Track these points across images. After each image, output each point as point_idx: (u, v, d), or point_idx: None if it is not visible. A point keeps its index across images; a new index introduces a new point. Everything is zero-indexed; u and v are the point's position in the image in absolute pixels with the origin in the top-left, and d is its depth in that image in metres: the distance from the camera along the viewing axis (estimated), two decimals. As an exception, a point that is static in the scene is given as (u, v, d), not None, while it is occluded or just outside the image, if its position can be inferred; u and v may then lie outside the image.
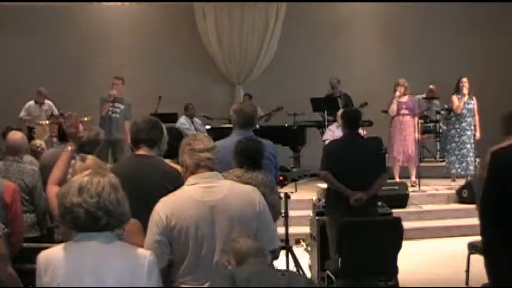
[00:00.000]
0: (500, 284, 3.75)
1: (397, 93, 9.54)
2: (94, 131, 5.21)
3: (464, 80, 9.63)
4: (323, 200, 6.23)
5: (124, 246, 2.54)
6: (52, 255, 2.46)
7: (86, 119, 8.58)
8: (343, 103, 10.78)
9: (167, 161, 4.01)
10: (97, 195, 2.44)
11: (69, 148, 3.77)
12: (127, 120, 9.84)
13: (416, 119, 9.70)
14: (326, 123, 10.81)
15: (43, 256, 2.47)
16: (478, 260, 5.35)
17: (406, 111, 9.60)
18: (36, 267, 2.46)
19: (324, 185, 6.87)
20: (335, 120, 10.39)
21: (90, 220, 2.42)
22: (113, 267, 2.42)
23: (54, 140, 8.89)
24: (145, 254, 2.53)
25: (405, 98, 9.62)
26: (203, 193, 3.12)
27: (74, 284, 2.38)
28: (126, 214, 2.52)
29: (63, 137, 6.01)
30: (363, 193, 5.59)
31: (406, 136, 9.60)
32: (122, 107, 9.89)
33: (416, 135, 9.69)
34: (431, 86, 11.89)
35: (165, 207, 3.08)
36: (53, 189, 3.64)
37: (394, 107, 9.59)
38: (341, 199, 5.65)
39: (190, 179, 3.19)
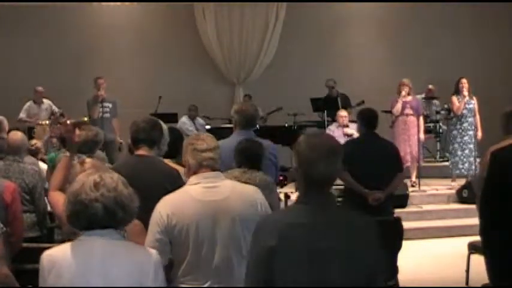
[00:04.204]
0: (501, 284, 3.76)
1: (403, 92, 9.49)
2: (93, 132, 5.14)
3: (464, 80, 9.59)
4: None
5: (129, 244, 2.51)
6: (56, 255, 2.40)
7: (86, 119, 8.60)
8: (341, 103, 10.78)
9: (167, 161, 4.00)
10: (114, 189, 2.42)
11: (68, 154, 3.78)
12: (115, 119, 9.85)
13: (420, 119, 9.64)
14: (326, 123, 10.80)
15: (46, 256, 2.41)
16: (478, 260, 5.35)
17: (410, 111, 9.57)
18: (38, 267, 2.41)
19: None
20: (334, 121, 10.40)
21: (107, 215, 2.39)
22: (120, 266, 2.38)
23: (54, 140, 8.90)
24: (151, 252, 2.52)
25: (409, 98, 9.60)
26: (205, 193, 3.11)
27: (80, 284, 2.33)
28: (136, 210, 2.51)
29: (63, 141, 6.03)
30: (381, 192, 5.62)
31: (410, 136, 9.56)
32: (110, 105, 9.90)
33: (422, 135, 9.65)
34: (430, 86, 11.88)
35: (166, 206, 3.07)
36: (55, 195, 3.62)
37: (399, 107, 9.54)
38: (358, 198, 5.62)
39: (192, 179, 3.18)
